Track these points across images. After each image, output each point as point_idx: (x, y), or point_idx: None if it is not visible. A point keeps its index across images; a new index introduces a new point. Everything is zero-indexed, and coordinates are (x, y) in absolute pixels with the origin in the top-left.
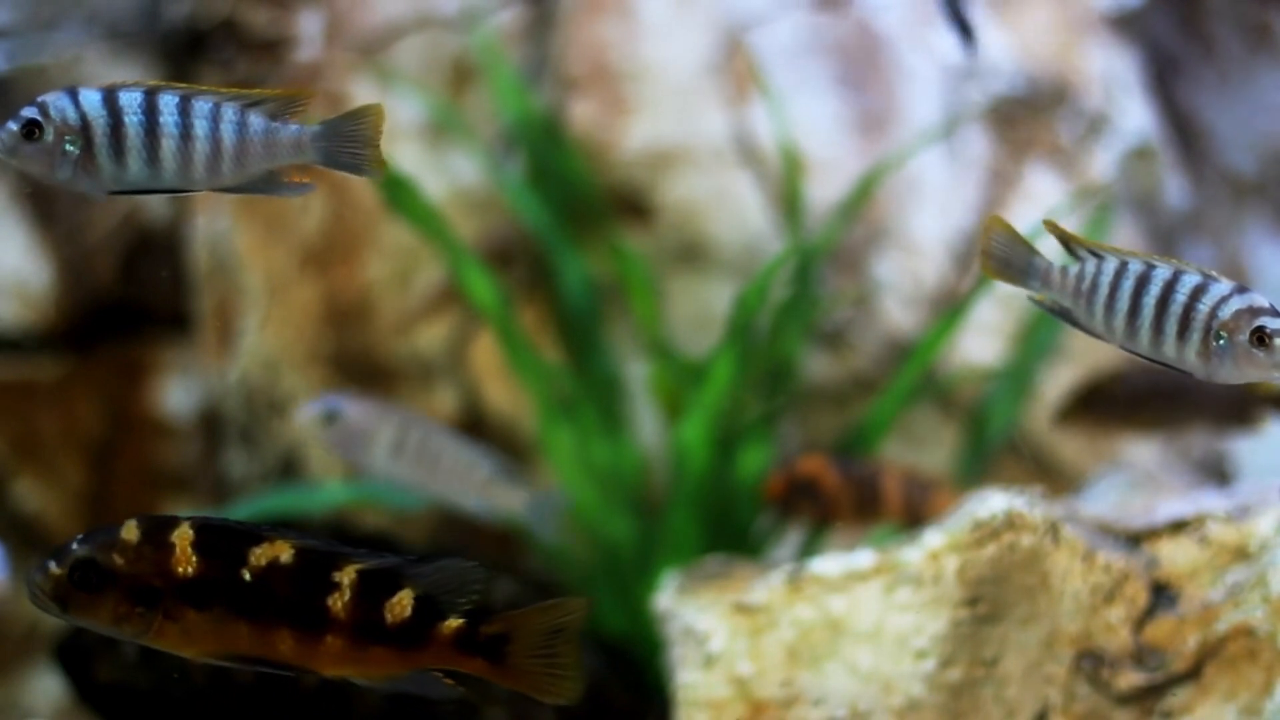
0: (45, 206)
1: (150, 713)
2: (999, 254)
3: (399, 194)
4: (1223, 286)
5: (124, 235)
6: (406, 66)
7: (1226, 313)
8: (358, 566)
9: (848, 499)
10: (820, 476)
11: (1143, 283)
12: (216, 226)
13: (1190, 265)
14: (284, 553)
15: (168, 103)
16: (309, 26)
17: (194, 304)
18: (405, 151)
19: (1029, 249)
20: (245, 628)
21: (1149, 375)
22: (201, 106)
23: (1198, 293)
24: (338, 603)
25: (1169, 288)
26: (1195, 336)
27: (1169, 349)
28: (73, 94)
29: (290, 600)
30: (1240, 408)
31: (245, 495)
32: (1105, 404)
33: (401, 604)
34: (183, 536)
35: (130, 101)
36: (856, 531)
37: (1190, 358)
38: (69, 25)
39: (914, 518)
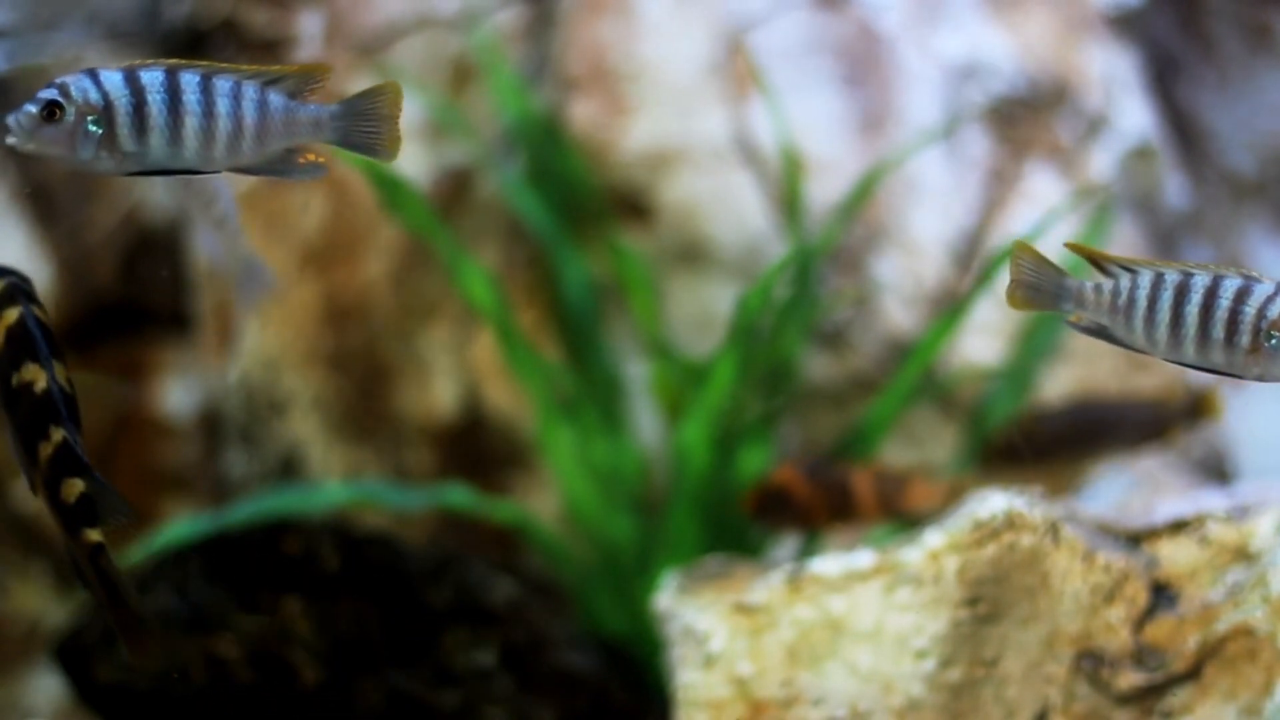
0: (45, 206)
1: (150, 713)
2: (1029, 281)
3: (396, 195)
4: (1267, 286)
5: (124, 235)
6: (406, 66)
7: (1275, 312)
8: (65, 438)
9: (821, 505)
10: (791, 485)
11: (1183, 292)
12: None
13: (1228, 268)
14: (38, 383)
15: (189, 81)
16: (309, 26)
17: (194, 304)
18: (405, 151)
19: (1058, 271)
20: (9, 421)
21: (1068, 413)
22: (223, 85)
23: (1242, 295)
24: (41, 450)
25: (1210, 294)
26: (1244, 339)
27: (1216, 355)
28: (93, 74)
29: (21, 422)
30: (1158, 428)
31: (245, 495)
32: (1027, 446)
33: (72, 489)
34: (6, 320)
35: (153, 80)
36: (855, 532)
37: (1239, 361)
38: (69, 25)
39: (892, 514)
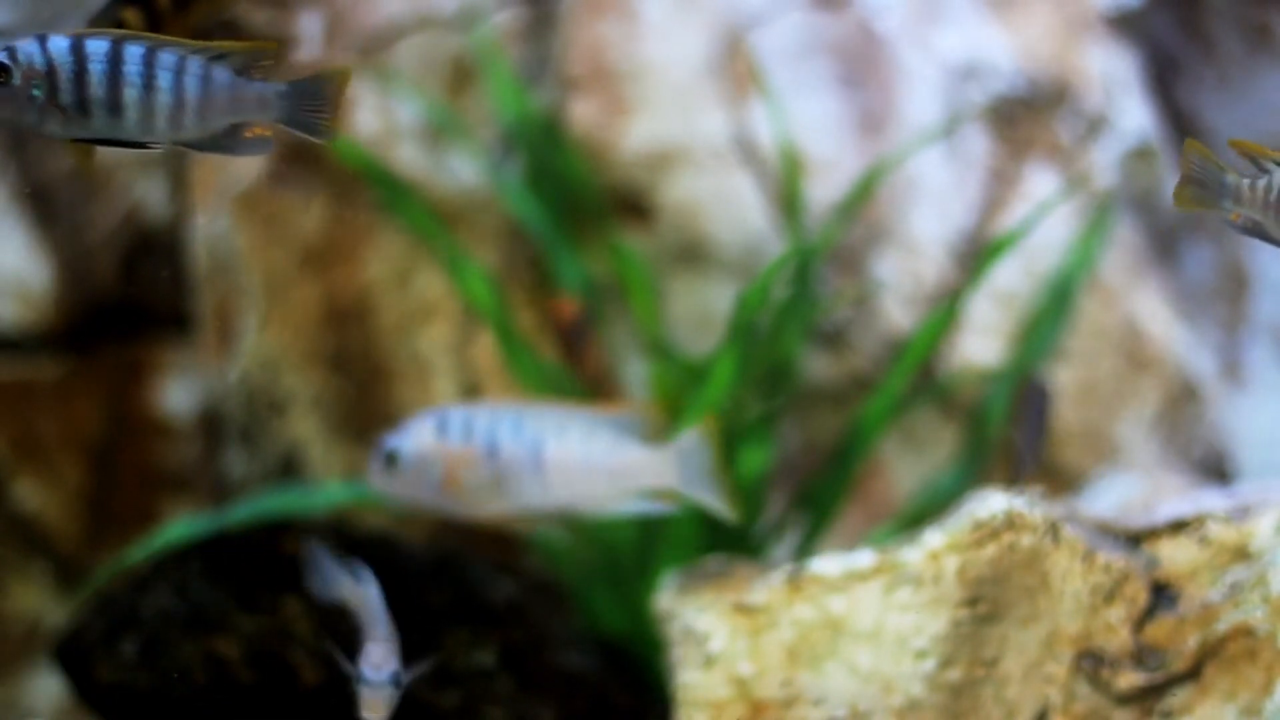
0: (45, 206)
1: (150, 713)
2: (1196, 176)
3: (396, 195)
4: None
5: (124, 235)
6: (406, 66)
7: None
8: None
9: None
10: (560, 315)
11: None
12: (216, 226)
13: None
14: None
15: (133, 53)
16: (309, 26)
17: (194, 304)
18: (404, 152)
19: (1220, 168)
20: None
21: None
22: (167, 58)
23: None
24: None
25: None
26: None
27: None
28: (42, 40)
29: None
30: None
31: (245, 495)
32: None
33: None
34: None
35: (96, 49)
36: (855, 532)
37: None
38: (69, 25)
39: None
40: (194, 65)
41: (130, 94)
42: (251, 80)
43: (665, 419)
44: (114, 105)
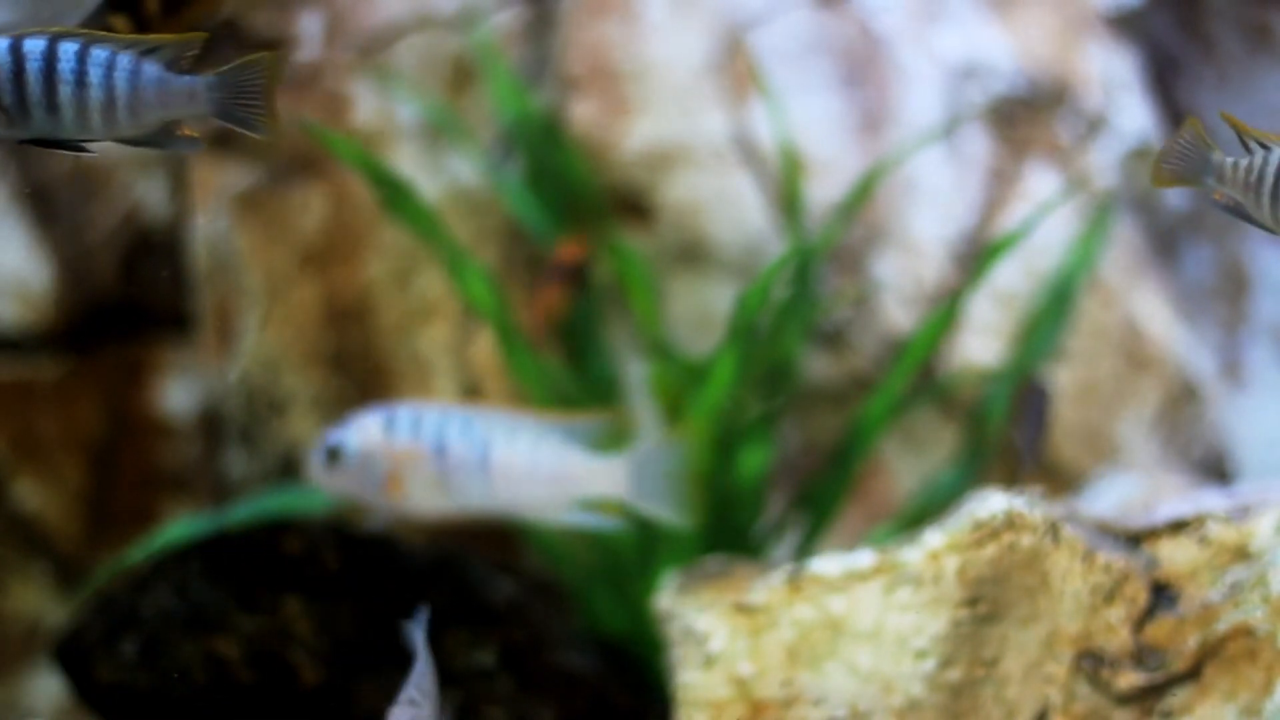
0: (45, 206)
1: (150, 713)
2: (1180, 152)
3: (396, 195)
4: None
5: (124, 235)
6: (406, 66)
7: None
8: None
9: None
10: (565, 259)
11: None
12: (216, 226)
13: None
14: None
15: (66, 50)
16: (309, 26)
17: (194, 304)
18: (404, 152)
19: (1207, 145)
20: None
21: None
22: (98, 54)
23: None
24: None
25: None
26: None
27: None
28: None
29: None
30: None
31: (245, 495)
32: None
33: None
34: None
35: (33, 49)
36: (855, 532)
37: None
38: (68, 25)
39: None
40: (124, 60)
41: (65, 91)
42: (180, 74)
43: (630, 427)
44: (50, 104)
